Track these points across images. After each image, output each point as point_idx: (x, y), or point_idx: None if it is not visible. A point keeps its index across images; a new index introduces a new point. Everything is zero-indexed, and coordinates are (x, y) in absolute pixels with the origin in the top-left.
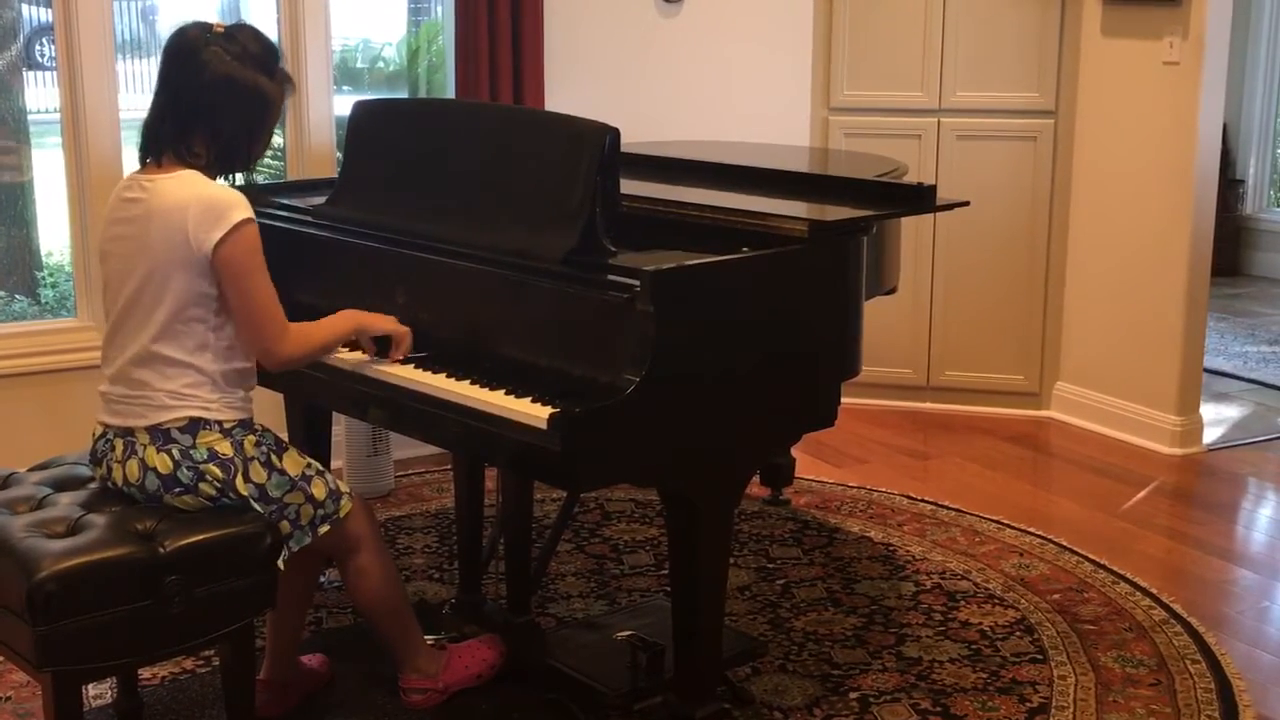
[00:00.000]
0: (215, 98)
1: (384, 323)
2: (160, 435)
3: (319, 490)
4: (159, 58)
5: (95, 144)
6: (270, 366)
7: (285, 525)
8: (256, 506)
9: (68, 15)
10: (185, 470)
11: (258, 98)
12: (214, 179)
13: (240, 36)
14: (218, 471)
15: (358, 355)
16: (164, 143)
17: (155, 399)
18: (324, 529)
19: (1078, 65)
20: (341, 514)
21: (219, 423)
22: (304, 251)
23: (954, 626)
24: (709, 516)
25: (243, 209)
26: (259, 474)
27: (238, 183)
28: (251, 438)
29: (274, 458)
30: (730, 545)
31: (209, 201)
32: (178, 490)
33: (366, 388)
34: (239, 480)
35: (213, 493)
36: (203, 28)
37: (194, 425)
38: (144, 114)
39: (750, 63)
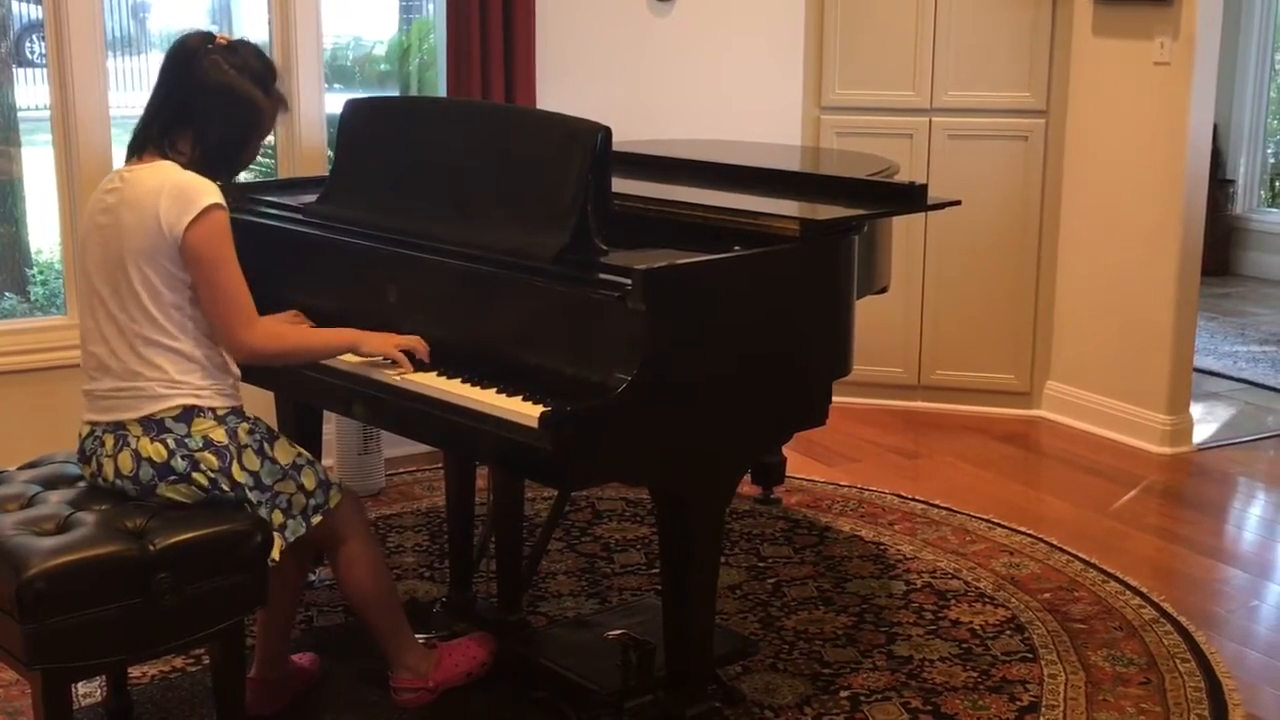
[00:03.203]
0: (208, 101)
1: (379, 345)
2: (154, 425)
3: (309, 480)
4: (157, 58)
5: (85, 141)
6: (237, 358)
7: (278, 515)
8: (250, 495)
9: (57, 12)
10: (180, 459)
11: (249, 109)
12: None
13: (242, 50)
14: (213, 459)
15: (355, 357)
16: (150, 140)
17: (147, 389)
18: (317, 519)
19: (1069, 65)
20: (332, 504)
21: (212, 410)
22: (294, 250)
23: (944, 625)
24: (700, 515)
25: (212, 194)
26: (252, 461)
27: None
28: (245, 425)
29: (266, 446)
30: (721, 544)
31: (180, 187)
32: (172, 479)
33: (357, 386)
34: (234, 467)
35: (205, 482)
36: (205, 37)
37: (188, 414)
38: (135, 111)
39: (742, 61)
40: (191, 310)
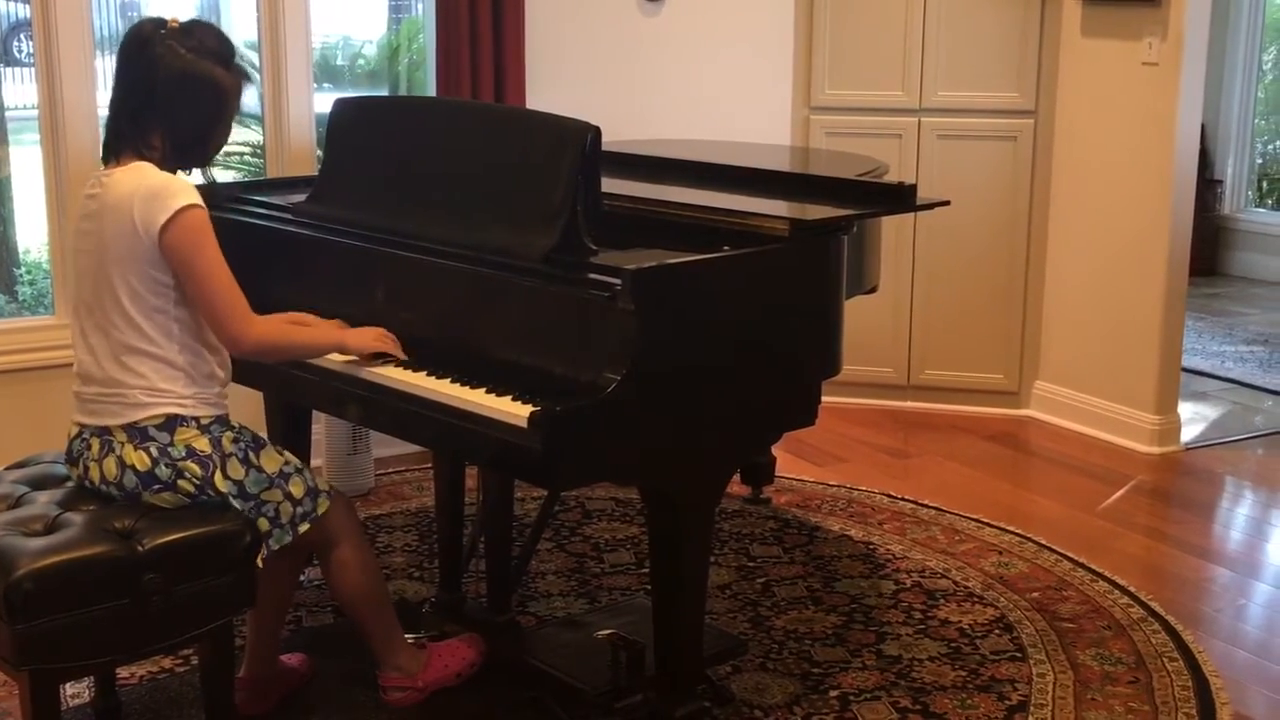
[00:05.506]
0: (169, 91)
1: (365, 341)
2: (138, 433)
3: (297, 488)
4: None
5: (73, 141)
6: (236, 352)
7: (264, 523)
8: (235, 504)
9: (46, 11)
10: (163, 467)
11: (213, 90)
12: (172, 172)
13: (196, 31)
14: (196, 469)
15: (344, 356)
16: (123, 140)
17: (131, 396)
18: (304, 527)
19: (1057, 65)
20: (320, 512)
21: (196, 419)
22: (284, 249)
23: (933, 625)
24: (690, 515)
25: (186, 194)
26: (237, 470)
27: (214, 179)
28: (229, 434)
29: (252, 455)
30: (711, 544)
31: (153, 189)
32: (156, 487)
33: (346, 386)
34: (217, 477)
35: (191, 489)
36: (157, 23)
37: (171, 422)
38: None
39: (732, 62)
40: (176, 312)
